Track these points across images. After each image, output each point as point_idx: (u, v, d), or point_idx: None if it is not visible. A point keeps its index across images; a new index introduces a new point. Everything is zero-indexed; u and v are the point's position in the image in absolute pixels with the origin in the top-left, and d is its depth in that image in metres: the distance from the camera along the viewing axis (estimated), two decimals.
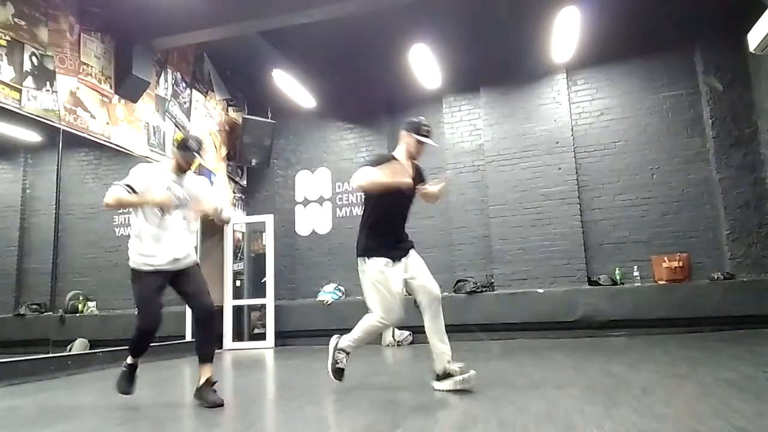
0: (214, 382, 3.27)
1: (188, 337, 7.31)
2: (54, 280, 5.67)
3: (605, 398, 2.80)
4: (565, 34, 6.78)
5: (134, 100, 6.62)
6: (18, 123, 5.42)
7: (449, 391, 3.22)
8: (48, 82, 5.51)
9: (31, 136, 5.88)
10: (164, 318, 3.33)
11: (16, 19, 5.19)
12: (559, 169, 7.51)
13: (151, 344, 3.37)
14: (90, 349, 5.74)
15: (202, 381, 3.25)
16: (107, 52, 6.32)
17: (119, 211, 6.49)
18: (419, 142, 3.53)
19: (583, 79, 7.75)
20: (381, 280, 3.36)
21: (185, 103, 7.71)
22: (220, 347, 8.09)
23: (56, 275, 5.69)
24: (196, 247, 7.56)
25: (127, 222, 6.64)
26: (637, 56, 7.52)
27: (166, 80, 7.33)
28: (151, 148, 6.90)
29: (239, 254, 8.74)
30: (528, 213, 7.55)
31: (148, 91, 6.78)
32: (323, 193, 8.82)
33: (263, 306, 8.27)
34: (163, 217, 3.33)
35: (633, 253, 7.17)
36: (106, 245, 6.66)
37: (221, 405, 3.13)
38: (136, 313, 3.27)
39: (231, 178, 8.77)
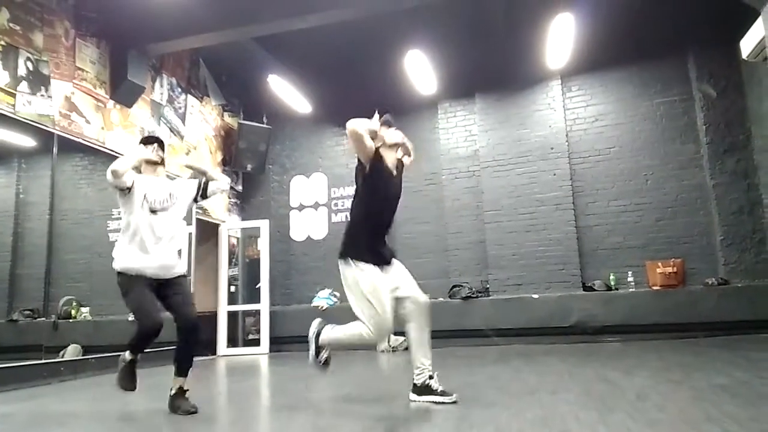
0: (186, 390, 3.24)
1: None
2: (47, 285, 5.63)
3: (600, 404, 2.80)
4: (560, 40, 6.82)
5: (129, 105, 6.61)
6: (12, 128, 5.39)
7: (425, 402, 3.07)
8: (43, 87, 5.50)
9: (25, 141, 5.85)
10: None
11: (11, 24, 5.18)
12: (554, 174, 7.54)
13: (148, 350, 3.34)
14: (83, 355, 5.70)
15: (175, 390, 3.22)
16: (102, 57, 6.32)
17: (113, 216, 6.45)
18: None
19: (577, 85, 7.79)
20: (373, 290, 3.05)
21: (180, 108, 7.71)
22: (214, 353, 8.05)
23: (49, 281, 5.65)
24: (189, 253, 7.58)
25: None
26: (631, 63, 7.57)
27: (161, 85, 7.33)
28: None
29: (234, 259, 8.72)
30: (523, 218, 7.56)
31: (143, 96, 6.77)
32: (318, 199, 8.82)
33: (258, 311, 8.25)
34: (155, 215, 3.30)
35: (627, 258, 7.19)
36: (99, 250, 6.61)
37: (195, 412, 3.10)
38: (132, 318, 3.23)
39: None
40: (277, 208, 8.96)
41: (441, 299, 7.42)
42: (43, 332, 5.51)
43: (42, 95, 5.48)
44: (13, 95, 5.17)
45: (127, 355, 3.27)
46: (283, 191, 9.02)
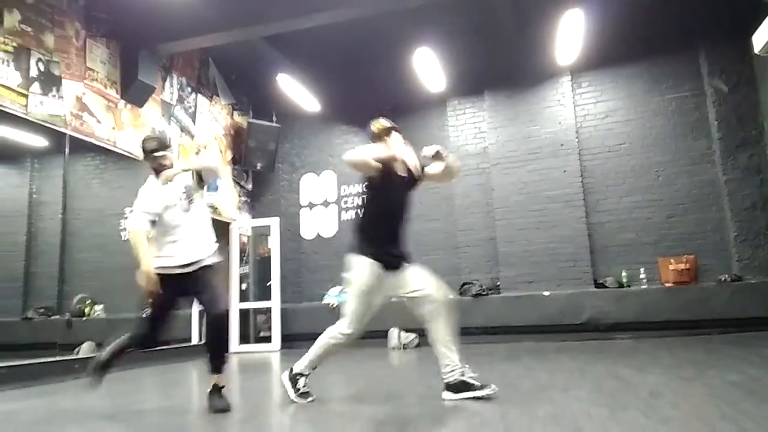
0: (221, 387, 3.22)
1: (194, 341, 7.35)
2: (61, 283, 5.70)
3: (612, 401, 2.79)
4: (570, 36, 6.78)
5: (140, 105, 6.65)
6: (25, 128, 5.45)
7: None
8: (54, 88, 5.54)
9: (37, 141, 5.91)
10: (171, 321, 3.32)
11: (22, 26, 5.22)
12: (564, 171, 7.50)
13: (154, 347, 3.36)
14: (97, 353, 5.75)
15: (210, 387, 3.20)
16: (113, 58, 6.36)
17: (125, 215, 6.49)
18: None
19: (587, 81, 7.74)
20: (364, 288, 3.16)
21: (191, 107, 7.75)
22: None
23: (63, 279, 5.72)
24: None
25: None
26: (642, 58, 7.51)
27: (171, 85, 7.37)
28: None
29: (245, 257, 8.77)
30: (533, 215, 7.53)
31: (153, 96, 6.81)
32: (328, 197, 8.83)
33: (269, 309, 8.29)
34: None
35: (639, 255, 7.14)
36: (112, 249, 6.68)
37: (226, 410, 3.07)
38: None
39: (236, 182, 8.79)
40: (287, 206, 8.99)
41: (451, 296, 7.40)
42: (58, 330, 5.58)
43: (53, 96, 5.53)
44: (26, 96, 5.22)
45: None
46: (292, 189, 9.05)
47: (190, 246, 3.32)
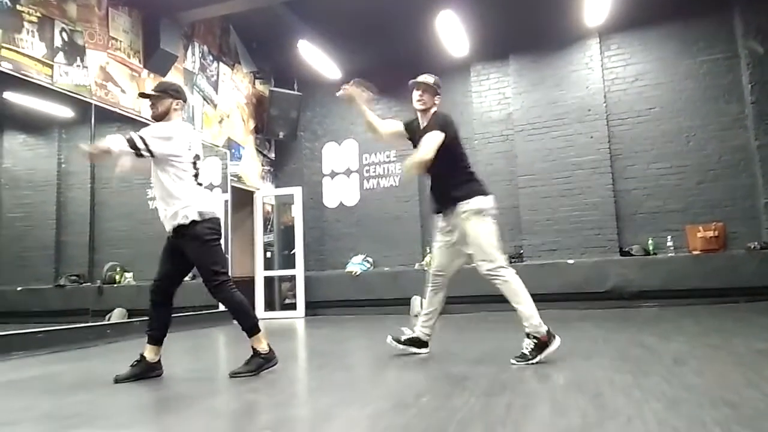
0: (257, 351, 3.21)
1: (221, 306, 7.50)
2: (91, 252, 5.84)
3: (635, 368, 2.78)
4: None
5: (163, 74, 6.67)
6: (51, 99, 5.52)
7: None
8: (78, 58, 5.59)
9: (64, 112, 5.99)
10: (192, 289, 3.34)
11: None
12: (591, 137, 7.35)
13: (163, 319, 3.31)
14: (128, 319, 5.92)
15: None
16: (135, 26, 6.37)
17: (151, 184, 6.60)
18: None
19: (616, 43, 7.51)
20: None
21: (213, 76, 7.75)
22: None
23: (93, 247, 5.86)
24: (226, 220, 7.72)
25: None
26: (673, 19, 7.24)
27: (193, 54, 7.36)
28: None
29: (269, 226, 8.87)
30: (558, 183, 7.43)
31: (176, 64, 6.83)
32: (350, 165, 8.83)
33: (293, 277, 8.41)
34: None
35: (667, 222, 7.03)
36: (140, 218, 6.81)
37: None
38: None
39: (259, 151, 8.83)
40: (310, 175, 9.02)
41: (473, 265, 7.40)
42: (89, 297, 5.74)
43: (78, 66, 5.58)
44: (51, 66, 5.27)
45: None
46: (315, 158, 9.06)
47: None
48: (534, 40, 7.72)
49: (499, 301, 3.54)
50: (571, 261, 7.03)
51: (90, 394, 2.85)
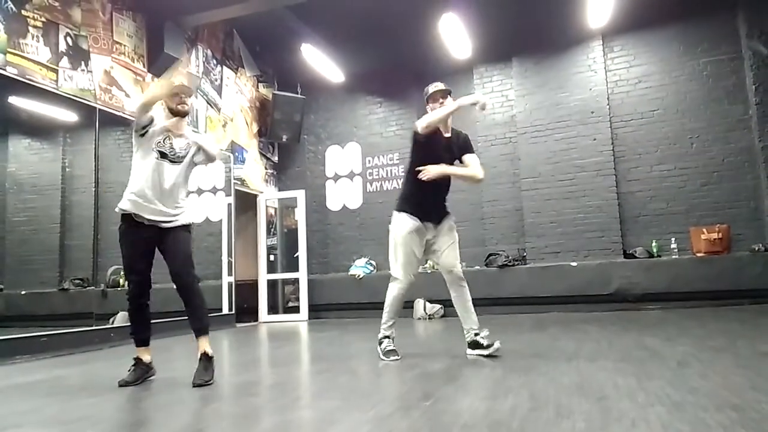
0: (210, 357, 3.19)
1: (225, 310, 7.51)
2: (95, 255, 5.85)
3: (639, 371, 2.77)
4: None
5: None
6: (56, 103, 5.54)
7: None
8: (83, 62, 5.61)
9: (68, 116, 6.01)
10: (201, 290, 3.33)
11: (50, 1, 5.27)
12: (594, 139, 7.35)
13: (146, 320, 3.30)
14: None
15: (198, 355, 3.19)
16: (139, 31, 6.40)
17: None
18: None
19: (620, 45, 7.51)
20: (402, 239, 3.62)
21: (216, 80, 7.77)
22: (256, 320, 8.27)
23: (97, 251, 5.87)
24: (230, 223, 7.73)
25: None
26: (677, 20, 7.24)
27: (197, 57, 7.39)
28: None
29: (272, 229, 8.88)
30: (561, 185, 7.43)
31: (180, 68, 6.84)
32: (353, 168, 8.83)
33: (296, 280, 8.41)
34: (161, 160, 3.25)
35: (671, 224, 7.01)
36: None
37: (203, 384, 3.01)
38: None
39: (263, 155, 8.85)
40: (313, 178, 9.03)
41: (477, 267, 7.41)
42: (93, 300, 5.75)
43: (82, 70, 5.60)
44: (55, 71, 5.30)
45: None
46: (318, 161, 9.07)
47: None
48: (537, 42, 7.73)
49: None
50: (574, 263, 7.02)
51: (94, 398, 2.86)
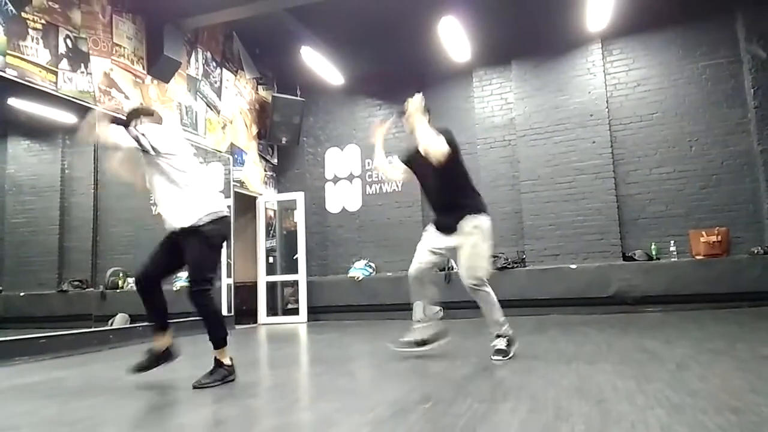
0: (222, 362, 3.18)
1: (224, 312, 7.50)
2: (94, 257, 5.85)
3: (638, 373, 2.77)
4: (600, 1, 6.57)
5: (166, 81, 6.71)
6: (55, 105, 5.55)
7: None
8: (82, 64, 5.62)
9: (68, 118, 6.01)
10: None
11: (50, 3, 5.28)
12: (593, 142, 7.35)
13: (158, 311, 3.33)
14: (130, 324, 5.93)
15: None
16: (139, 33, 6.40)
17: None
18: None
19: (618, 48, 7.52)
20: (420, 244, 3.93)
21: (216, 82, 7.78)
22: (255, 322, 8.27)
23: (96, 252, 5.87)
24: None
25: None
26: (676, 24, 7.25)
27: (196, 60, 7.40)
28: (183, 128, 7.01)
29: (271, 231, 8.87)
30: (560, 188, 7.43)
31: (179, 71, 6.86)
32: (353, 171, 8.83)
33: (296, 282, 8.41)
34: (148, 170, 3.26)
35: (670, 227, 7.02)
36: (143, 223, 6.81)
37: (197, 387, 3.01)
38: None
39: (262, 157, 8.85)
40: (312, 180, 9.03)
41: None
42: (92, 302, 5.75)
43: (82, 72, 5.60)
44: (55, 73, 5.30)
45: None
46: (317, 163, 9.07)
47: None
48: (536, 45, 7.74)
49: (502, 306, 3.55)
50: (573, 266, 7.02)
51: (93, 399, 2.85)
